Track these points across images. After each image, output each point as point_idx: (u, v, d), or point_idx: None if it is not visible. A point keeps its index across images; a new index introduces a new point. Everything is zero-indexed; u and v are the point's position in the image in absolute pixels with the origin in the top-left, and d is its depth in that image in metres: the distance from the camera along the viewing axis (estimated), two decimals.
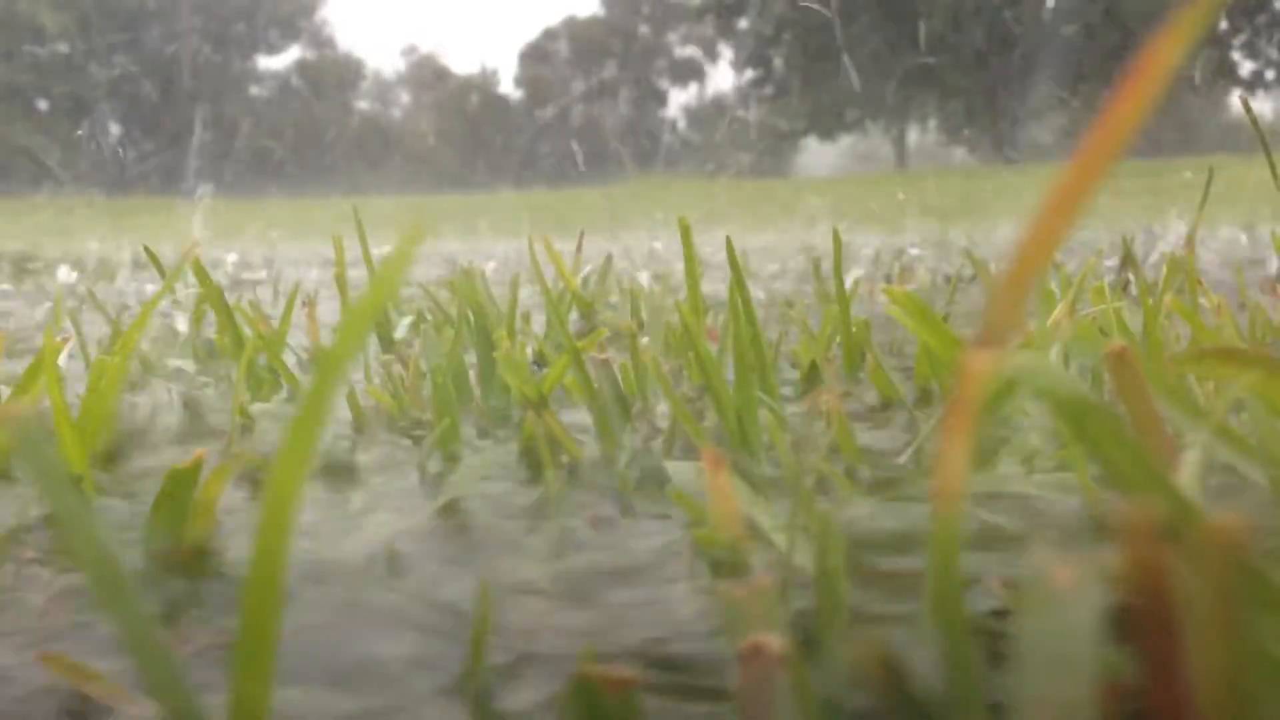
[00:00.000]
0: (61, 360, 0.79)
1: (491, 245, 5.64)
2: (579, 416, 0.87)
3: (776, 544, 0.50)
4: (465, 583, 0.50)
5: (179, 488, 0.54)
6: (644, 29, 40.39)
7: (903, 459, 0.71)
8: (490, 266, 2.62)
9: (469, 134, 39.34)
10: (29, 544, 0.58)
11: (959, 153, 35.48)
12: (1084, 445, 0.30)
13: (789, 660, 0.29)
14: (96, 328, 1.51)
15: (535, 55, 41.06)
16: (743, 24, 34.96)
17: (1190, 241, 1.50)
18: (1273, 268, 2.20)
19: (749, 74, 35.59)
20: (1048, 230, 0.27)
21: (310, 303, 1.40)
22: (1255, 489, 0.56)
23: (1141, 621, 0.25)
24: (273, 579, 0.28)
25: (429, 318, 1.39)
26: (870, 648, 0.31)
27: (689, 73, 40.04)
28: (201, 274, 1.08)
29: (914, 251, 3.58)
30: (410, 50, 44.61)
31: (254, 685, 0.28)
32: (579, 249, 2.08)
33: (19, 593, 0.51)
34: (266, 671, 0.28)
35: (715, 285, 2.01)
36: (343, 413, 0.88)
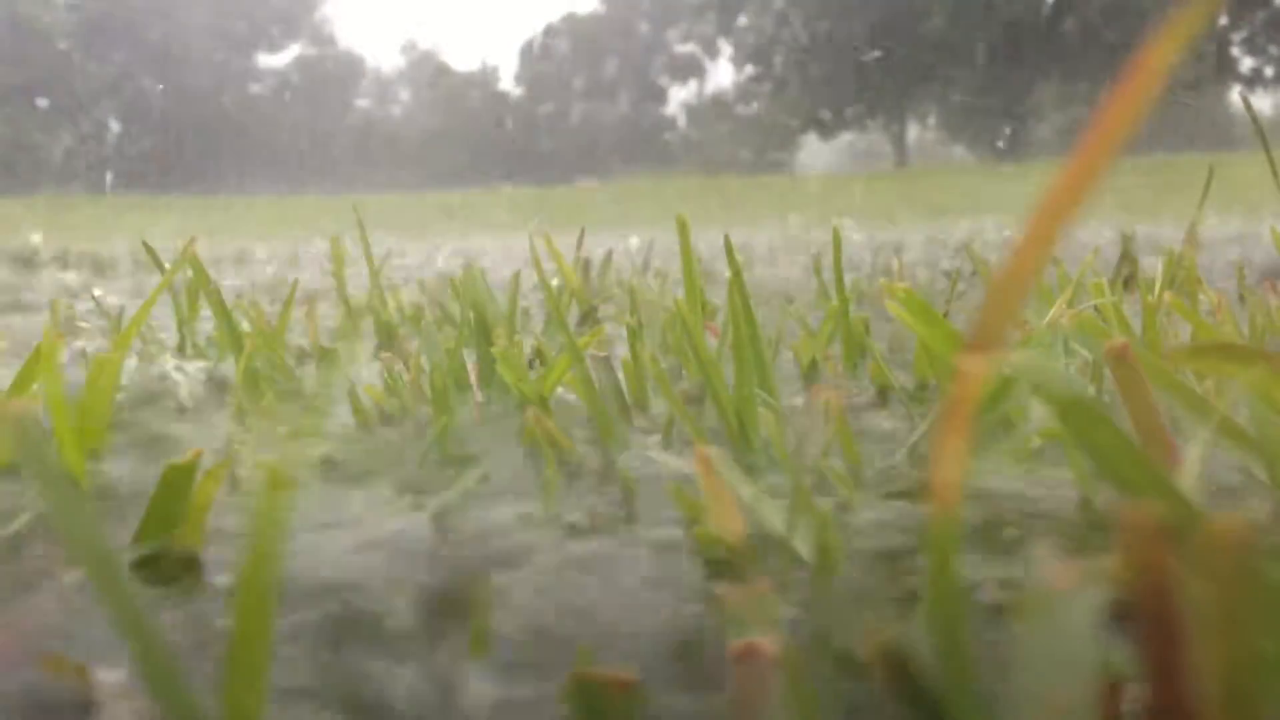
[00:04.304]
0: (60, 358, 0.79)
1: (491, 242, 5.64)
2: (579, 411, 0.87)
3: (776, 542, 0.50)
4: (463, 581, 0.50)
5: (175, 484, 0.54)
6: (644, 26, 40.37)
7: (901, 456, 0.71)
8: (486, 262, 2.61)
9: (469, 131, 39.32)
10: (30, 541, 0.58)
11: (959, 150, 35.49)
12: (1082, 444, 0.30)
13: (784, 661, 0.29)
14: (96, 325, 1.51)
15: (535, 52, 41.03)
16: (742, 20, 34.95)
17: (1190, 238, 1.50)
18: (1272, 264, 2.20)
19: (749, 70, 35.59)
20: (1045, 229, 0.26)
21: (310, 301, 1.40)
22: (1256, 486, 0.56)
23: (1143, 622, 0.25)
24: (265, 584, 0.28)
25: (429, 315, 1.39)
26: (869, 646, 0.31)
27: (689, 69, 40.02)
28: (199, 270, 1.08)
29: (914, 248, 3.58)
30: (410, 47, 44.60)
31: (247, 687, 0.28)
32: (579, 246, 2.08)
33: (19, 592, 0.51)
34: (259, 673, 0.28)
35: (716, 283, 2.01)
36: (344, 411, 0.88)
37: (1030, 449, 0.68)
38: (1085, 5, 28.43)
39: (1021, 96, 30.93)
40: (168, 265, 1.10)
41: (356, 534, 0.58)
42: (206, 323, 1.44)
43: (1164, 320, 1.06)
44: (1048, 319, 0.89)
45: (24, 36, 30.75)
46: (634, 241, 4.20)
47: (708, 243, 2.86)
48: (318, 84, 39.26)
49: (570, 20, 41.25)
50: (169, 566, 0.53)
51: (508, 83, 42.40)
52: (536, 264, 1.54)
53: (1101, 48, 27.30)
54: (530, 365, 1.04)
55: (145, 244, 1.40)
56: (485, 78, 41.45)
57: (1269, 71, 31.01)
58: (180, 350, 1.29)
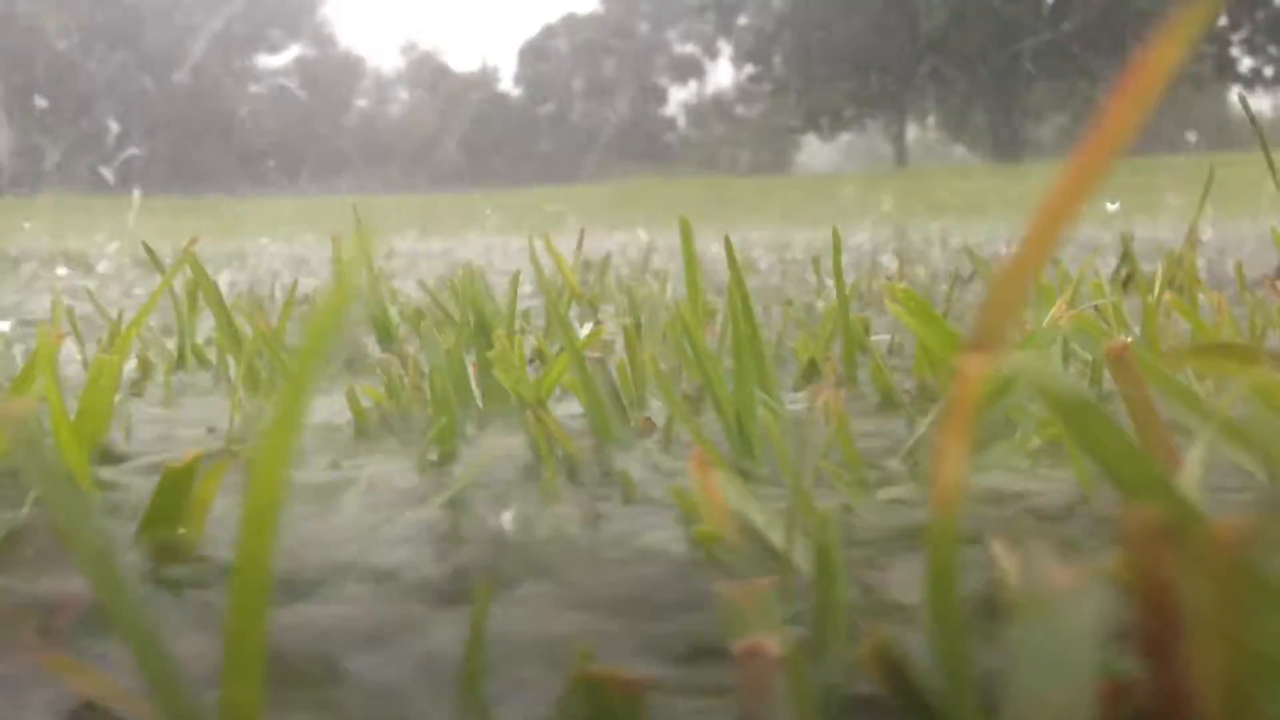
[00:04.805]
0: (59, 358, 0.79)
1: (491, 242, 5.64)
2: (579, 409, 0.87)
3: (774, 543, 0.50)
4: (462, 581, 0.50)
5: (174, 486, 0.54)
6: (644, 26, 40.37)
7: (901, 457, 0.71)
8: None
9: (469, 131, 39.31)
10: (29, 542, 0.58)
11: (959, 150, 35.49)
12: (1083, 446, 0.30)
13: (787, 660, 0.29)
14: (95, 326, 1.51)
15: (535, 52, 41.03)
16: (742, 20, 34.98)
17: (1190, 238, 1.50)
18: (1272, 264, 2.20)
19: (749, 70, 35.61)
20: (1046, 230, 0.26)
21: (311, 302, 1.40)
22: (1256, 486, 0.56)
23: (1143, 623, 0.25)
24: (259, 579, 0.28)
25: (428, 316, 1.39)
26: (870, 648, 0.31)
27: (689, 70, 40.00)
28: (198, 271, 1.08)
29: (913, 248, 3.58)
30: (410, 48, 44.58)
31: (244, 685, 0.28)
32: (579, 247, 2.08)
33: (19, 592, 0.51)
34: (256, 670, 0.28)
35: (715, 284, 2.01)
36: (343, 412, 0.88)
37: (1030, 449, 0.68)
38: (1086, 5, 28.44)
39: (1022, 97, 30.95)
40: (168, 265, 1.10)
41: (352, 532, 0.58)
42: (206, 322, 1.44)
43: (1164, 320, 1.06)
44: (1047, 319, 0.89)
45: (24, 36, 30.73)
46: (633, 242, 4.20)
47: (707, 243, 2.87)
48: (318, 84, 39.27)
49: (570, 21, 41.23)
50: (169, 565, 0.53)
51: (507, 83, 42.40)
52: (536, 265, 1.54)
53: (1102, 48, 27.31)
54: (530, 365, 1.04)
55: (145, 244, 1.40)
56: (485, 78, 41.45)
57: (1268, 72, 31.04)
58: (180, 350, 1.29)
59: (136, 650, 0.29)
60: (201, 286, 1.09)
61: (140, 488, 0.68)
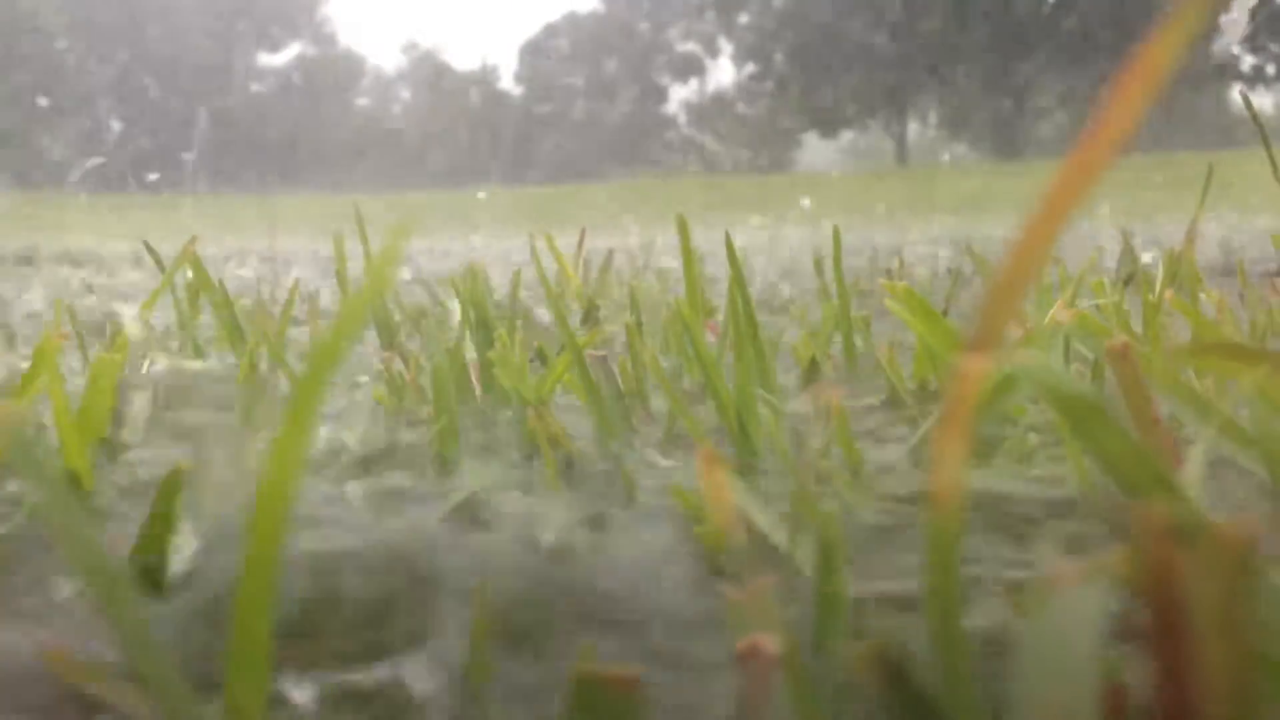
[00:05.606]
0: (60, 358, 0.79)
1: (492, 242, 5.64)
2: (580, 408, 0.87)
3: (776, 543, 0.50)
4: (463, 582, 0.50)
5: (176, 492, 0.54)
6: (644, 25, 40.34)
7: (902, 457, 0.71)
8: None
9: (469, 130, 39.30)
10: (31, 541, 0.58)
11: (960, 148, 35.46)
12: (1086, 444, 0.30)
13: (787, 660, 0.29)
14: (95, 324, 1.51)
15: (536, 51, 41.02)
16: (743, 19, 34.97)
17: (1190, 237, 1.50)
18: (1273, 262, 2.20)
19: (749, 69, 35.61)
20: (1043, 229, 0.26)
21: (312, 300, 1.40)
22: (1256, 486, 0.56)
23: (1148, 623, 0.25)
24: (266, 577, 0.28)
25: (430, 314, 1.39)
26: (869, 648, 0.31)
27: (689, 68, 39.98)
28: (200, 270, 1.08)
29: (914, 247, 3.58)
30: (411, 47, 44.57)
31: (248, 684, 0.28)
32: (580, 246, 2.08)
33: (20, 593, 0.51)
34: (260, 669, 0.28)
35: (716, 283, 2.01)
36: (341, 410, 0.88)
37: (1029, 447, 0.68)
38: (1086, 3, 28.43)
39: (1023, 95, 30.95)
40: (169, 265, 1.10)
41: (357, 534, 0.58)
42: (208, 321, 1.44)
43: (1165, 319, 1.06)
44: (1048, 318, 0.89)
45: (24, 36, 30.74)
46: (634, 241, 4.20)
47: (707, 242, 2.86)
48: (318, 84, 39.26)
49: (570, 20, 41.22)
50: (170, 565, 0.53)
51: (508, 82, 42.39)
52: (537, 263, 1.54)
53: (1103, 46, 27.30)
54: (531, 364, 1.04)
55: (146, 244, 1.40)
56: (485, 77, 41.43)
57: (1270, 69, 31.02)
58: (181, 349, 1.29)
59: (134, 656, 0.29)
60: (203, 286, 1.10)
61: (143, 487, 0.68)
